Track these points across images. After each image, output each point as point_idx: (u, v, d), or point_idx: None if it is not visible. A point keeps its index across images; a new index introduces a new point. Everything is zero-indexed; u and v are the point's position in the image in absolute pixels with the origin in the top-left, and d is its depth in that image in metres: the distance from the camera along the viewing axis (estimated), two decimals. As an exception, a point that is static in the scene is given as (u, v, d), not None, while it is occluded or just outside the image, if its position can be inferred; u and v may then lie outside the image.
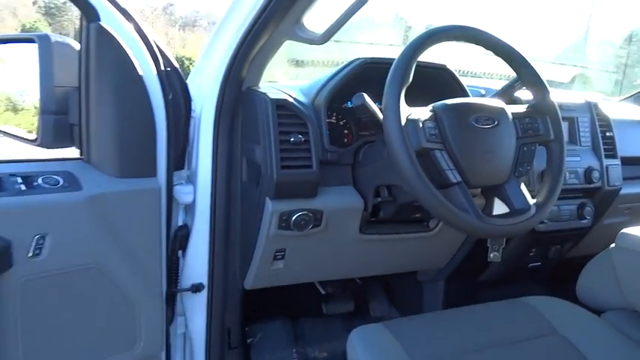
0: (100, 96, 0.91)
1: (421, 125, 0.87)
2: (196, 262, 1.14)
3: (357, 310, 1.53)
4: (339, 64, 1.16)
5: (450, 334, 0.96)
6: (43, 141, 0.97)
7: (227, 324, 1.22)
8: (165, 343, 1.09)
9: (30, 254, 0.82)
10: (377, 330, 0.94)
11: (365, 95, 0.91)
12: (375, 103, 0.96)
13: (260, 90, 1.05)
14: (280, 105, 1.00)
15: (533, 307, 1.04)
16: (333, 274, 1.29)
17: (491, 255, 1.05)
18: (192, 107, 1.08)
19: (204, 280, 1.15)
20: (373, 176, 1.06)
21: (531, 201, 0.94)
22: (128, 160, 0.94)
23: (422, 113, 0.90)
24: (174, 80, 1.01)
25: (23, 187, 0.83)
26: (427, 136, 0.87)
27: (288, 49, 1.13)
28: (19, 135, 1.03)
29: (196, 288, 1.14)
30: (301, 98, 1.08)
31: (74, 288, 0.89)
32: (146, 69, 0.94)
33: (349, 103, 1.13)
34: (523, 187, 0.96)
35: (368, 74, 1.08)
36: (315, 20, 0.99)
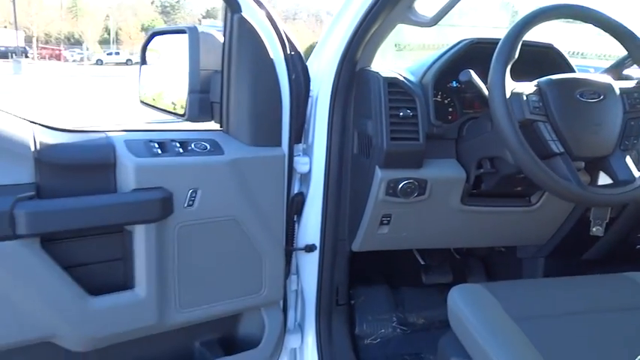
0: (238, 77, 1.07)
1: (525, 98, 0.93)
2: (310, 226, 1.28)
3: (455, 283, 1.60)
4: (438, 48, 1.24)
5: (548, 298, 1.01)
6: (190, 116, 1.16)
7: (335, 282, 1.35)
8: (284, 293, 1.25)
9: (185, 205, 1.01)
10: (477, 289, 1.01)
11: (472, 71, 0.99)
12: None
13: (373, 70, 1.16)
14: (392, 83, 1.10)
15: (635, 281, 1.05)
16: (434, 243, 1.37)
17: (594, 229, 1.07)
18: (311, 87, 1.22)
19: (317, 242, 1.29)
20: (476, 149, 1.13)
21: (637, 174, 0.96)
22: (259, 131, 1.10)
23: (526, 87, 0.96)
24: (297, 63, 1.15)
25: (181, 150, 1.02)
26: (531, 108, 0.93)
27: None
28: (170, 111, 1.24)
29: (309, 248, 1.29)
30: (410, 77, 1.18)
31: (216, 236, 1.06)
32: (276, 53, 1.09)
33: (454, 82, 1.21)
34: (629, 160, 0.98)
35: (474, 54, 1.15)
36: (425, 4, 1.08)
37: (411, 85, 1.13)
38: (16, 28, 33.02)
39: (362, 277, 1.54)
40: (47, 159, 0.87)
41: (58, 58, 42.16)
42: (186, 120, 1.17)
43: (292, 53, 1.14)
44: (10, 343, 0.87)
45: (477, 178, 1.17)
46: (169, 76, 1.27)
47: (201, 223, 1.03)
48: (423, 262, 1.60)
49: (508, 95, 0.92)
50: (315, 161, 1.24)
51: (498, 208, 1.24)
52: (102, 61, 39.98)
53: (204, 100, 1.15)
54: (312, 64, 1.25)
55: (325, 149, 1.23)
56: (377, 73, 1.13)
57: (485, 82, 0.99)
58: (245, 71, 1.06)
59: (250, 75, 1.06)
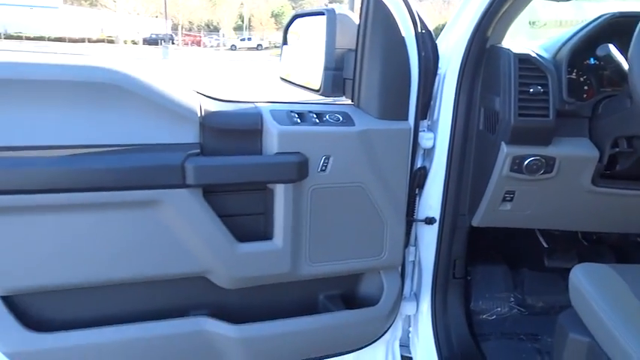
0: (371, 55, 1.15)
1: None
2: (431, 199, 1.33)
3: None
4: (576, 24, 1.19)
5: None
6: (324, 91, 1.27)
7: (453, 256, 1.39)
8: (402, 260, 1.32)
9: (318, 169, 1.12)
10: (603, 269, 0.99)
11: (611, 46, 0.96)
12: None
13: (503, 47, 1.17)
14: (522, 59, 1.11)
15: None
16: (560, 224, 1.34)
17: None
18: (439, 65, 1.26)
19: (437, 215, 1.34)
20: (612, 127, 1.09)
21: None
22: (388, 106, 1.17)
23: None
24: (427, 41, 1.20)
25: (317, 120, 1.13)
26: None
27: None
28: (307, 86, 1.37)
29: (429, 221, 1.34)
30: (543, 54, 1.16)
31: (344, 200, 1.17)
32: (407, 32, 1.15)
33: (592, 59, 1.17)
34: None
35: (615, 30, 1.10)
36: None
37: (544, 61, 1.12)
38: (166, 18, 36.68)
39: (481, 254, 1.55)
40: (209, 124, 1.04)
41: (198, 44, 46.07)
42: (321, 95, 1.28)
43: (423, 32, 1.19)
44: (175, 273, 1.07)
45: (611, 158, 1.12)
46: (306, 55, 1.39)
47: (331, 187, 1.14)
48: (546, 246, 1.56)
49: None
50: (439, 137, 1.29)
51: (634, 192, 1.18)
52: (235, 46, 42.84)
53: (337, 77, 1.25)
54: (441, 43, 1.29)
55: (450, 126, 1.26)
56: (508, 49, 1.14)
57: (626, 57, 0.95)
58: (378, 50, 1.14)
59: (382, 53, 1.14)
